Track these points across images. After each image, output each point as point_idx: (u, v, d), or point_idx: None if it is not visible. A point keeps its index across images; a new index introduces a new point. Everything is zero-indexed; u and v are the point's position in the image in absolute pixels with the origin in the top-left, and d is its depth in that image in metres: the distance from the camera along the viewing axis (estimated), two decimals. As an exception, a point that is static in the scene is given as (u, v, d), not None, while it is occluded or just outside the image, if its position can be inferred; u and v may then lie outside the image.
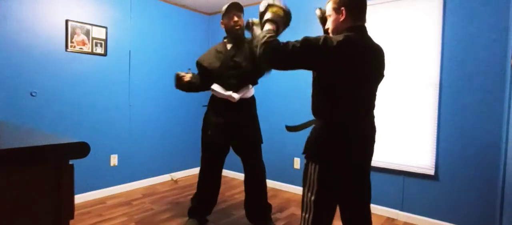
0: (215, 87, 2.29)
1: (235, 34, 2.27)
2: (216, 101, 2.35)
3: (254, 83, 2.39)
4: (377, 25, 2.86)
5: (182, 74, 2.37)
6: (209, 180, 2.46)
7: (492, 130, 2.37)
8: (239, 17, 2.26)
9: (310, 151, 1.49)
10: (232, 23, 2.24)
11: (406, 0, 2.76)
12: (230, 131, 2.33)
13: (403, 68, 2.76)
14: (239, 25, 2.25)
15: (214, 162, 2.45)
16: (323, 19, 1.69)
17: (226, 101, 2.28)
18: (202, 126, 2.45)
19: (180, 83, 2.36)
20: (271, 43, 1.38)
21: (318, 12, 1.70)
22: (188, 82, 2.34)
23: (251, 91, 2.39)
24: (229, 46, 2.33)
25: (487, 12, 2.39)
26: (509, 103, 2.19)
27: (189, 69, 2.48)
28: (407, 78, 2.75)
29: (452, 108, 2.55)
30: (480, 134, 2.42)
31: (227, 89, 2.26)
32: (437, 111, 2.61)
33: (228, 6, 2.22)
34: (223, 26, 2.30)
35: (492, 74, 2.37)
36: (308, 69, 1.47)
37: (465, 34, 2.48)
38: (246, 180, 2.48)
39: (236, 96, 2.25)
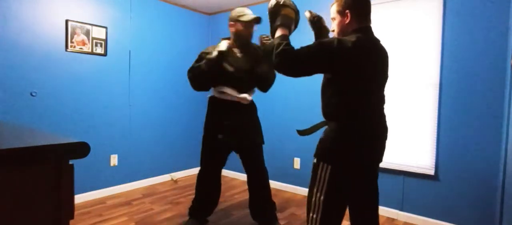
0: (227, 90, 2.29)
1: (245, 41, 2.31)
2: (223, 104, 2.33)
3: (264, 90, 2.42)
4: (377, 25, 2.85)
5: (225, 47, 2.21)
6: (212, 182, 2.46)
7: (492, 130, 2.37)
8: (253, 27, 2.32)
9: (323, 152, 1.48)
10: (247, 32, 2.27)
11: (406, 0, 2.76)
12: (241, 133, 2.34)
13: (403, 68, 2.76)
14: (251, 34, 2.33)
15: (219, 164, 2.46)
16: (313, 23, 1.66)
17: (235, 103, 2.30)
18: (206, 129, 2.41)
19: (217, 61, 2.20)
20: (288, 52, 1.38)
21: (307, 14, 1.66)
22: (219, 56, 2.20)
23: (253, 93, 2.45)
24: (236, 50, 2.33)
25: (487, 12, 2.39)
26: (509, 103, 2.19)
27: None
28: (407, 78, 2.75)
29: (452, 108, 2.55)
30: (480, 134, 2.42)
31: (239, 91, 2.29)
32: (437, 111, 2.61)
33: (252, 18, 2.23)
34: (234, 29, 2.28)
35: (492, 74, 2.37)
36: (325, 72, 1.47)
37: (465, 34, 2.48)
38: (250, 181, 2.48)
39: (249, 98, 2.31)
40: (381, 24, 2.86)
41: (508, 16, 2.30)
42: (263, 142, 2.48)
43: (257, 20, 2.27)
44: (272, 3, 1.58)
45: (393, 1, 2.83)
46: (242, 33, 2.27)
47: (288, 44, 1.41)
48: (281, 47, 1.39)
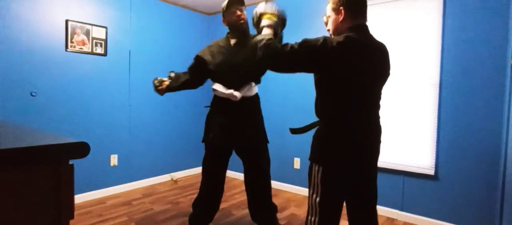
0: (216, 86, 2.19)
1: (239, 29, 2.16)
2: (218, 101, 2.25)
3: (257, 81, 2.28)
4: (377, 25, 2.86)
5: (158, 81, 2.28)
6: (212, 185, 2.36)
7: (492, 130, 2.37)
8: (241, 11, 2.14)
9: (314, 153, 1.48)
10: (235, 18, 2.12)
11: (406, 0, 2.76)
12: (233, 132, 2.23)
13: (403, 68, 2.76)
14: (243, 19, 2.15)
15: (217, 165, 2.34)
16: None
17: (228, 100, 2.17)
18: (204, 128, 2.35)
19: (158, 91, 2.28)
20: (270, 47, 1.39)
21: (325, 19, 1.64)
22: (167, 88, 2.27)
23: (255, 89, 2.28)
24: (232, 41, 2.21)
25: (487, 12, 2.38)
26: (509, 103, 2.19)
27: (171, 71, 2.38)
28: (407, 78, 2.75)
29: (452, 108, 2.55)
30: (480, 134, 2.42)
31: (228, 87, 2.16)
32: (437, 111, 2.61)
33: (229, 1, 2.12)
34: (225, 24, 2.20)
35: (492, 74, 2.37)
36: (309, 71, 1.45)
37: (465, 34, 2.48)
38: (249, 182, 2.38)
39: (237, 94, 2.13)
40: (381, 24, 2.87)
41: (508, 16, 2.30)
42: (266, 141, 2.35)
43: (236, 0, 2.13)
44: (253, 15, 1.65)
45: (393, 1, 2.83)
46: (231, 20, 2.14)
47: (271, 39, 1.43)
48: (263, 42, 1.41)
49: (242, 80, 2.19)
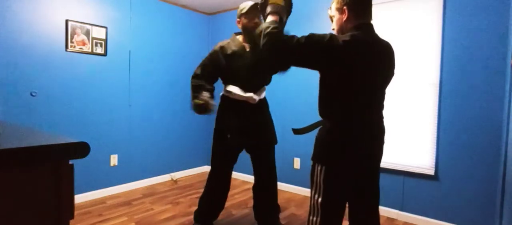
0: (233, 88, 2.24)
1: (252, 34, 2.21)
2: (232, 103, 2.28)
3: (268, 82, 2.36)
4: (378, 25, 2.85)
5: (206, 99, 2.16)
6: (222, 183, 2.41)
7: (492, 130, 2.37)
8: (259, 18, 2.23)
9: (317, 153, 1.46)
10: (252, 24, 2.19)
11: (406, 0, 2.76)
12: (250, 133, 2.30)
13: (403, 68, 2.75)
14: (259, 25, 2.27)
15: (229, 166, 2.40)
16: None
17: (244, 102, 2.24)
18: (216, 129, 2.37)
19: (205, 111, 2.18)
20: (275, 34, 1.37)
21: (330, 11, 1.64)
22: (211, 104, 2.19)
23: (265, 91, 2.38)
24: (247, 46, 2.26)
25: (487, 12, 2.38)
26: (509, 103, 2.19)
27: (200, 93, 2.23)
28: (407, 78, 2.75)
29: (452, 108, 2.55)
30: (480, 134, 2.42)
31: (246, 90, 2.23)
32: (437, 111, 2.61)
33: (251, 7, 2.16)
34: (240, 25, 2.25)
35: (492, 74, 2.37)
36: (311, 67, 1.44)
37: (465, 34, 2.48)
38: (258, 182, 2.43)
39: (256, 97, 2.24)
40: (381, 24, 2.86)
41: (508, 16, 2.30)
42: (275, 142, 2.43)
43: (256, 7, 2.16)
44: (258, 4, 1.61)
45: (393, 1, 2.83)
46: (247, 26, 2.21)
47: (276, 28, 1.40)
48: (268, 30, 1.39)
49: (260, 84, 2.29)
